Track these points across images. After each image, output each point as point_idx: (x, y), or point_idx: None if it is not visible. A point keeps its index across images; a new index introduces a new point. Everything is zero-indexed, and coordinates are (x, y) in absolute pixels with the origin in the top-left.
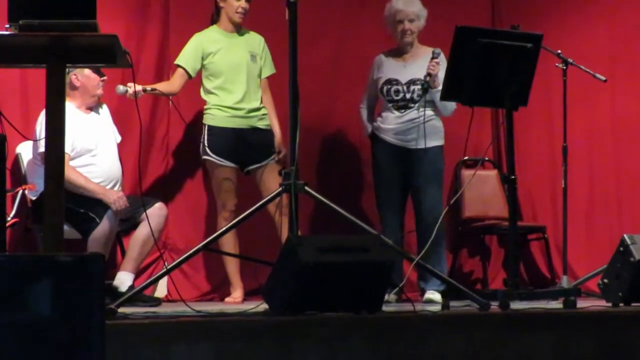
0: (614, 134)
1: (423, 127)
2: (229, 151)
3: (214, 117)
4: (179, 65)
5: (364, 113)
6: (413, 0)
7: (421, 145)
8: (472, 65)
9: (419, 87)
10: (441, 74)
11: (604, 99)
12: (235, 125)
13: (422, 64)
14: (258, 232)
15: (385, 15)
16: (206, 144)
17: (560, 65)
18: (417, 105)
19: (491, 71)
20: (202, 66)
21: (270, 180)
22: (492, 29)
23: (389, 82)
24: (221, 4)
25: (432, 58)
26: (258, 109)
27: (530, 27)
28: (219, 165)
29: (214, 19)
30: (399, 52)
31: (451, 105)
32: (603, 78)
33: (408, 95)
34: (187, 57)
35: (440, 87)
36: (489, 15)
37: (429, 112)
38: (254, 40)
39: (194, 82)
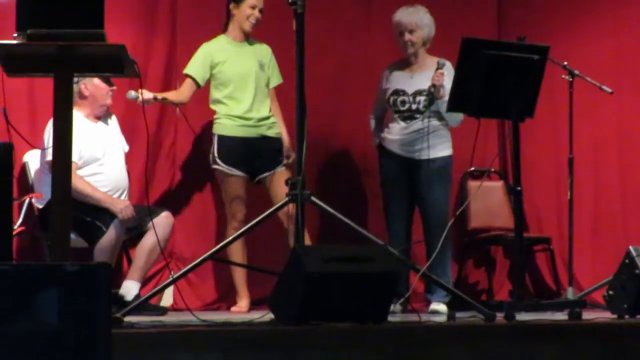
0: (620, 146)
1: (427, 137)
2: (238, 160)
3: (224, 126)
4: (188, 75)
5: (373, 123)
6: (414, 10)
7: (426, 156)
8: (478, 77)
9: (425, 97)
10: (447, 85)
11: (610, 111)
12: (245, 134)
13: (429, 75)
14: (267, 241)
15: (392, 27)
16: (216, 154)
17: (567, 77)
18: (422, 115)
19: (497, 83)
20: (211, 75)
21: (280, 187)
22: (498, 40)
23: (396, 92)
24: (234, 11)
25: (437, 69)
26: (267, 118)
27: (536, 39)
28: (229, 175)
29: (225, 25)
30: (406, 63)
31: (458, 115)
32: (609, 90)
33: (414, 106)
34: (196, 67)
35: (446, 98)
36: (495, 26)
37: (436, 122)
38: (262, 50)
39: (203, 91)
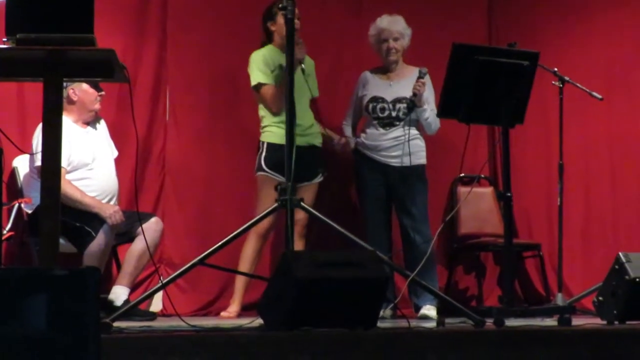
0: (610, 152)
1: (408, 145)
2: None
3: (273, 134)
4: (263, 84)
5: (348, 130)
6: (397, 19)
7: (406, 163)
8: (468, 83)
9: (405, 105)
10: (426, 93)
11: (600, 117)
12: (295, 142)
13: (408, 83)
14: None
15: (370, 35)
16: (262, 161)
17: (557, 83)
18: (402, 123)
19: (488, 89)
20: None
21: (304, 198)
22: (489, 46)
23: (375, 99)
24: (272, 28)
25: (419, 77)
26: (312, 126)
27: (527, 45)
28: (273, 180)
29: (263, 44)
30: (384, 70)
31: (436, 125)
32: (599, 96)
33: (394, 113)
34: (265, 73)
35: (425, 106)
36: (485, 32)
37: (413, 131)
38: (307, 61)
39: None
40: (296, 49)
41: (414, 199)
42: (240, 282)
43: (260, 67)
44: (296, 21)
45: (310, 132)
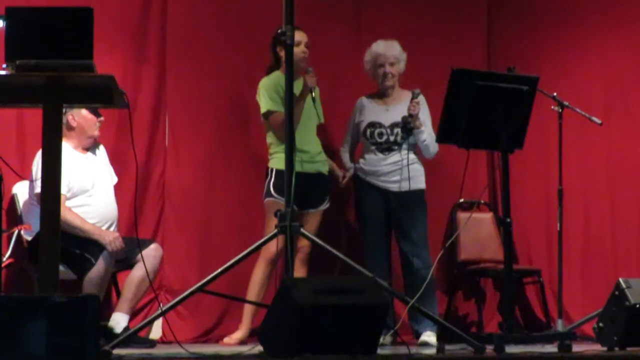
0: (610, 177)
1: (407, 169)
2: (294, 194)
3: (282, 160)
4: (273, 111)
5: (345, 156)
6: (393, 44)
7: (405, 188)
8: (467, 108)
9: (402, 129)
10: (423, 116)
11: (599, 142)
12: (302, 169)
13: (405, 108)
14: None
15: (365, 60)
16: (271, 187)
17: (556, 108)
18: (401, 147)
19: (487, 113)
20: None
21: (309, 225)
22: (487, 71)
23: (372, 125)
24: (281, 53)
25: (412, 98)
26: (320, 153)
27: (526, 70)
28: (281, 206)
29: (271, 70)
30: (380, 95)
31: (434, 147)
32: (599, 121)
33: (392, 138)
34: (275, 101)
35: (422, 128)
36: (484, 57)
37: (412, 155)
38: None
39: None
40: (307, 78)
41: (413, 224)
42: (248, 307)
43: (270, 94)
44: (305, 49)
45: (318, 159)
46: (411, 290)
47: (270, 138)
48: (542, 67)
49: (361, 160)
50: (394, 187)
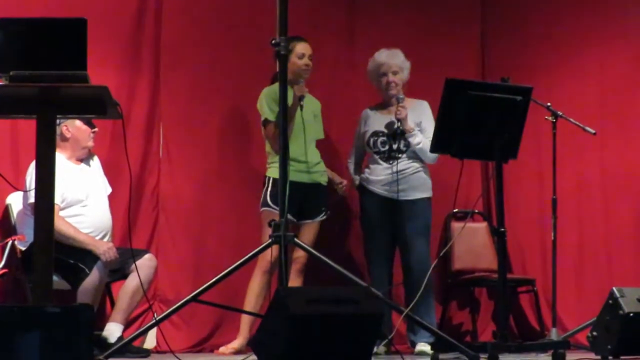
0: (603, 187)
1: (410, 178)
2: (290, 204)
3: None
4: (269, 121)
5: (352, 167)
6: (396, 53)
7: (410, 197)
8: (462, 118)
9: (403, 136)
10: (424, 121)
11: (593, 151)
12: (299, 179)
13: (409, 116)
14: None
15: (368, 70)
16: (268, 196)
17: (550, 118)
18: (404, 155)
19: (481, 124)
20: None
21: (305, 235)
22: (482, 81)
23: (375, 134)
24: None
25: (397, 103)
26: (318, 164)
27: (520, 80)
28: (277, 216)
29: (275, 79)
30: (384, 105)
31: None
32: (593, 131)
33: (394, 146)
34: (272, 110)
35: (414, 132)
36: (479, 67)
37: (417, 163)
38: (315, 102)
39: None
40: (296, 88)
41: (417, 234)
42: (246, 317)
43: (269, 103)
44: (308, 62)
45: (316, 170)
46: (411, 297)
47: (268, 147)
48: (536, 77)
49: (366, 170)
50: (399, 196)
